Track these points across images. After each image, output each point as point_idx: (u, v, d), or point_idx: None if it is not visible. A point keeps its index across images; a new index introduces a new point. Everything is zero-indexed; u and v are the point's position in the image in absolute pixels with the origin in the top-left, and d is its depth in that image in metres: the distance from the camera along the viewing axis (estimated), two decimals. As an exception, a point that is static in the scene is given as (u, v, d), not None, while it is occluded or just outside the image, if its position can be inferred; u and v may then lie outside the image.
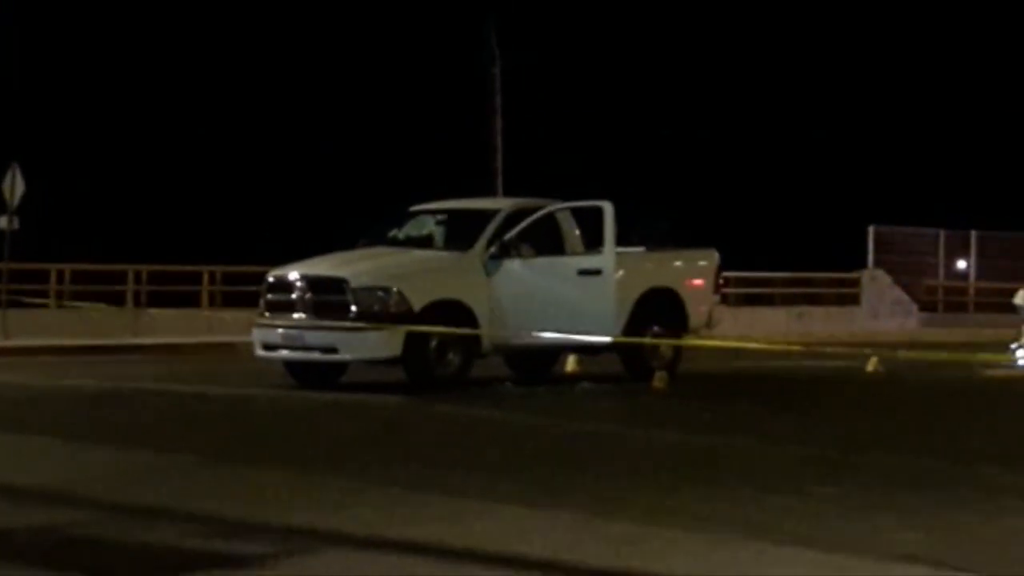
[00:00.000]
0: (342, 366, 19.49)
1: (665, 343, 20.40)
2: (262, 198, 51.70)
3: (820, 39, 59.00)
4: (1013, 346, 24.30)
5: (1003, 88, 59.57)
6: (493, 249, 19.59)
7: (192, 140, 52.65)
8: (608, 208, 20.14)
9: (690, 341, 20.94)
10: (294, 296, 19.27)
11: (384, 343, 18.62)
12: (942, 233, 42.64)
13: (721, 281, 22.29)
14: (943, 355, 24.37)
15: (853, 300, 40.23)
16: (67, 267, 31.03)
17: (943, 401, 19.18)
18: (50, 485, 10.61)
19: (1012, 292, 26.46)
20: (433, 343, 18.72)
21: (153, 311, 29.96)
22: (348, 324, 18.58)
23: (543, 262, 20.04)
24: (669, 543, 8.75)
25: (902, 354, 21.11)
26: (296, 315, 19.16)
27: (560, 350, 21.24)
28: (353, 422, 15.75)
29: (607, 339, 19.69)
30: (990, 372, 23.21)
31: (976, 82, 59.61)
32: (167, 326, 29.37)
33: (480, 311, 19.15)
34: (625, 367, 20.65)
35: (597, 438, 14.27)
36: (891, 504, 10.08)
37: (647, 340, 20.16)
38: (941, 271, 42.88)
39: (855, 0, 59.84)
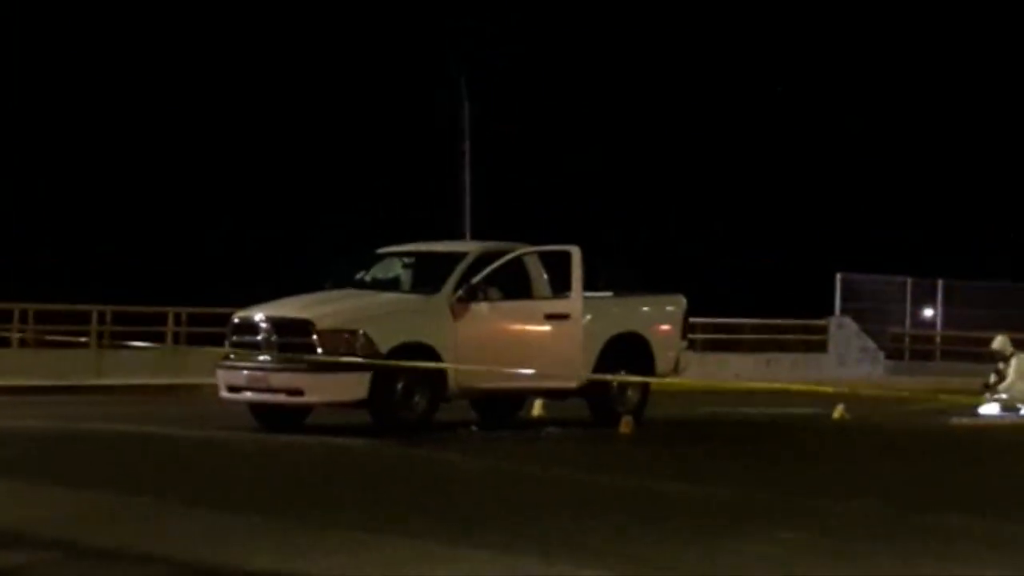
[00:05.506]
0: (307, 409, 19.38)
1: (635, 379, 20.38)
2: (229, 239, 51.58)
3: (788, 86, 59.30)
4: (988, 393, 24.32)
5: (971, 138, 59.95)
6: (460, 292, 19.51)
7: (159, 180, 52.56)
8: (576, 252, 20.12)
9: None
10: (259, 338, 19.16)
11: (350, 386, 18.51)
12: (909, 281, 42.76)
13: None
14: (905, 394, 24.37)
15: (820, 347, 40.27)
16: (30, 307, 30.83)
17: (908, 448, 19.18)
18: (9, 526, 10.49)
19: (978, 341, 26.52)
20: (399, 386, 18.62)
21: (118, 352, 29.77)
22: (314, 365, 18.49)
23: (510, 306, 19.98)
24: (635, 589, 8.70)
25: (864, 391, 21.13)
26: (261, 357, 19.04)
27: (526, 394, 21.17)
28: (317, 465, 15.64)
29: (573, 383, 19.69)
30: (955, 420, 23.24)
31: (944, 131, 59.95)
32: (131, 367, 29.21)
33: (447, 354, 19.06)
34: (591, 412, 20.60)
35: (563, 484, 14.20)
36: (856, 550, 10.06)
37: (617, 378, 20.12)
38: (908, 319, 42.97)
39: (823, 45, 60.14)
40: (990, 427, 22.82)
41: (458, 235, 35.80)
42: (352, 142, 53.62)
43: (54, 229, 50.75)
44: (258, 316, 19.40)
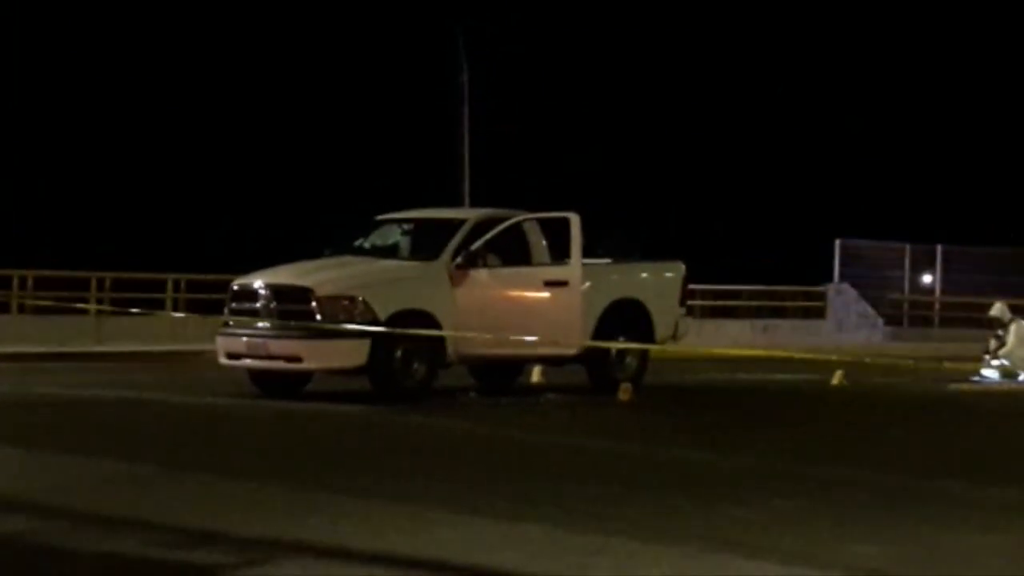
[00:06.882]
0: (306, 375, 19.40)
1: (635, 346, 20.40)
2: (227, 205, 51.59)
3: (787, 55, 59.23)
4: (987, 358, 24.36)
5: (969, 104, 59.91)
6: (459, 259, 19.51)
7: (158, 147, 52.55)
8: (575, 219, 20.11)
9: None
10: (258, 305, 19.18)
11: (349, 352, 18.53)
12: (908, 247, 42.78)
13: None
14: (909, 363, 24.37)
15: (819, 313, 40.30)
16: (29, 273, 30.84)
17: (907, 415, 19.20)
18: (9, 494, 10.51)
19: (978, 307, 26.52)
20: (398, 353, 18.63)
21: (116, 319, 29.78)
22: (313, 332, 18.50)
23: (509, 272, 19.99)
24: (635, 554, 8.72)
25: (869, 360, 21.06)
26: (260, 324, 19.06)
27: (525, 361, 21.20)
28: (316, 432, 15.67)
29: (572, 350, 19.70)
30: (954, 386, 23.25)
31: (942, 98, 59.91)
32: (130, 334, 29.22)
33: (446, 321, 19.07)
34: (590, 378, 20.62)
35: (562, 450, 14.23)
36: (854, 517, 10.07)
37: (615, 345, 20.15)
38: (907, 285, 42.99)
39: (820, 17, 60.07)
40: (989, 393, 22.84)
41: (457, 202, 35.78)
42: (353, 136, 53.61)
43: (53, 196, 50.74)
44: (257, 283, 19.41)
